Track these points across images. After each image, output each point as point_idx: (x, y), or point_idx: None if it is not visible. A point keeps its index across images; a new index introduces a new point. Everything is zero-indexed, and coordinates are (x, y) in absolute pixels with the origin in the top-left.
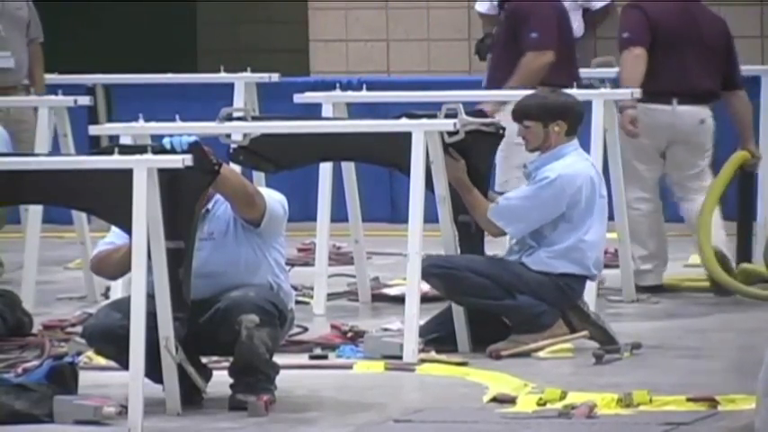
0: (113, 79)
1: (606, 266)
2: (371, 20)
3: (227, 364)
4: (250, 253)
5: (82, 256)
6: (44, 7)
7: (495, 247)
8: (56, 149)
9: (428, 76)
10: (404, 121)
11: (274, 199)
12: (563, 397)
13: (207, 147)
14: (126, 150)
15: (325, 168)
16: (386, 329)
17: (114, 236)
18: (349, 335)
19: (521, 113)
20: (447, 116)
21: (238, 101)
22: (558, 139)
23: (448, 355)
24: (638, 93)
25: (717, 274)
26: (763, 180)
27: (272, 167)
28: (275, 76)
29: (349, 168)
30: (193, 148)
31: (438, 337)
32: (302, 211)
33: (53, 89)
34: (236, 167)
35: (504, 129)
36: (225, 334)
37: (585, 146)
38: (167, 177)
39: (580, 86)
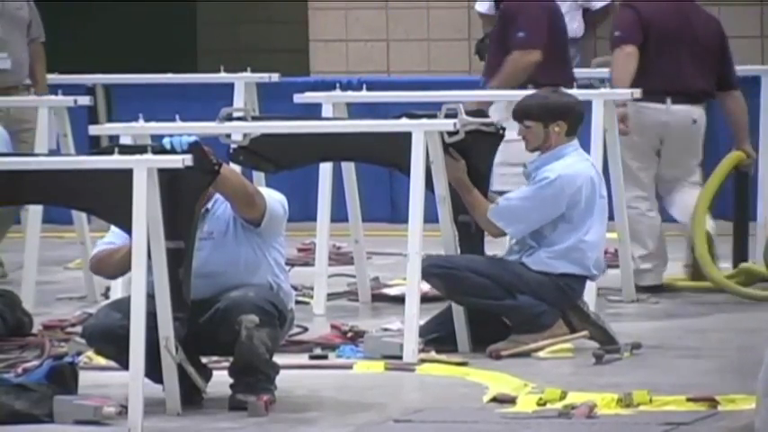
0: (113, 79)
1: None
2: (371, 20)
3: (227, 364)
4: (250, 253)
5: (82, 256)
6: (44, 7)
7: (495, 248)
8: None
9: (428, 76)
10: (404, 121)
11: (274, 199)
12: (563, 397)
13: (207, 147)
14: (126, 150)
15: (325, 168)
16: (386, 329)
17: (114, 236)
18: (349, 335)
19: (521, 113)
20: (447, 116)
21: (238, 101)
22: (559, 140)
23: (448, 355)
24: (638, 93)
25: (712, 274)
26: (764, 180)
27: (272, 167)
28: (275, 76)
29: (349, 168)
30: (193, 148)
31: (438, 337)
32: (302, 211)
33: (53, 89)
34: (236, 167)
35: (504, 129)
36: (225, 334)
37: (585, 146)
38: (167, 177)
39: (572, 86)
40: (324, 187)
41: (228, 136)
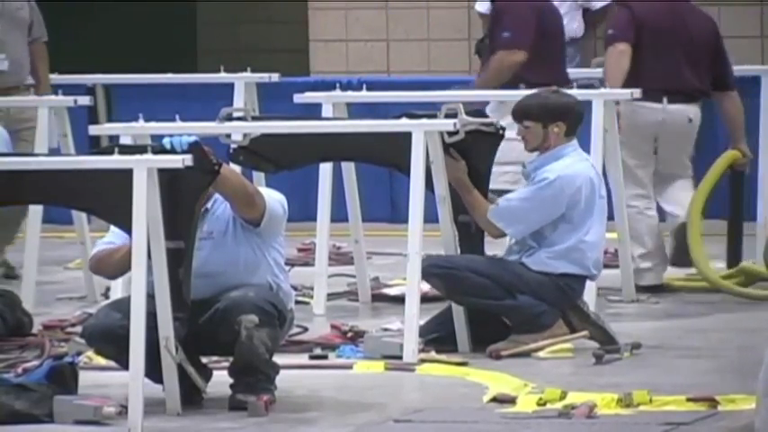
0: (113, 79)
1: (606, 266)
2: (371, 20)
3: (227, 364)
4: (249, 253)
5: (82, 256)
6: (45, 7)
7: (495, 248)
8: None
9: (428, 76)
10: (404, 121)
11: (274, 199)
12: (563, 397)
13: (207, 147)
14: (126, 150)
15: (325, 168)
16: (386, 329)
17: (113, 235)
18: (349, 335)
19: (521, 113)
20: (447, 116)
21: (238, 101)
22: (558, 140)
23: (448, 355)
24: (638, 93)
25: (708, 275)
26: (764, 180)
27: (272, 167)
28: (275, 76)
29: (349, 168)
30: (193, 148)
31: (438, 337)
32: (302, 211)
33: (53, 89)
34: (236, 167)
35: (504, 129)
36: (224, 334)
37: (585, 146)
38: (167, 177)
39: (566, 86)
40: (324, 187)
41: (228, 136)
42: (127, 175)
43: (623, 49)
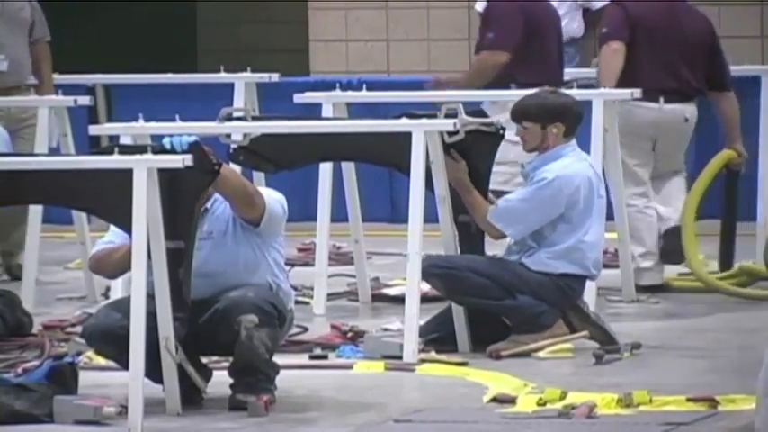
0: (113, 79)
1: (606, 266)
2: (371, 20)
3: (227, 364)
4: (249, 253)
5: (82, 256)
6: (46, 7)
7: (494, 248)
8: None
9: (428, 76)
10: (404, 121)
11: (274, 199)
12: (563, 397)
13: (207, 147)
14: (126, 150)
15: (325, 168)
16: (386, 329)
17: (113, 235)
18: (349, 335)
19: (520, 114)
20: (447, 116)
21: (238, 101)
22: (556, 141)
23: (448, 355)
24: (638, 93)
25: (702, 276)
26: (764, 180)
27: (272, 167)
28: (275, 76)
29: (349, 168)
30: (193, 148)
31: (438, 337)
32: (302, 211)
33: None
34: (236, 167)
35: (504, 129)
36: (224, 334)
37: (585, 146)
38: (167, 177)
39: (556, 85)
40: (324, 187)
41: (228, 136)
42: (127, 175)
43: (617, 47)
